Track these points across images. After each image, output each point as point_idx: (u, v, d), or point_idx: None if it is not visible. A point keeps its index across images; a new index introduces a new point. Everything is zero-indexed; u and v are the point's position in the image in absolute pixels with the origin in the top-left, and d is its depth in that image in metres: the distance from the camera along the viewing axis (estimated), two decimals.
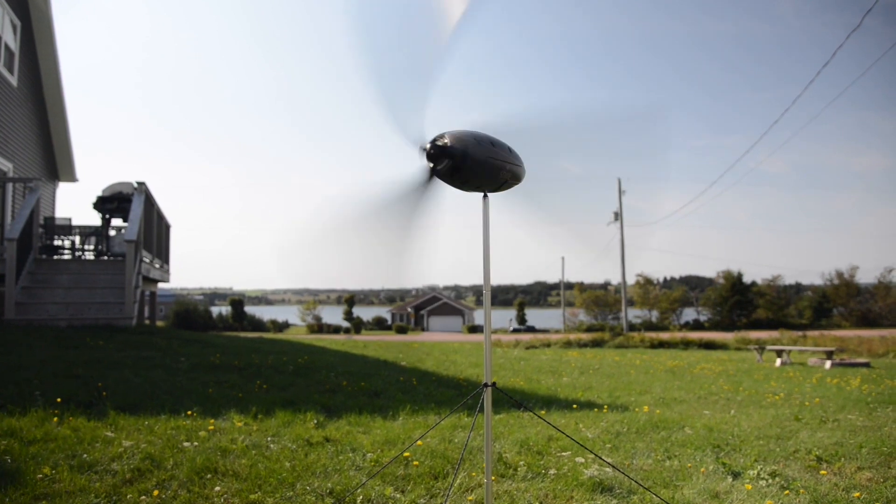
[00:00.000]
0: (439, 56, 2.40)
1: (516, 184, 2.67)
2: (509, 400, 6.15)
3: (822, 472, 3.70)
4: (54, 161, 16.03)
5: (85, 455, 3.47)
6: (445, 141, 2.35)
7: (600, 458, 3.81)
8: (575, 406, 6.43)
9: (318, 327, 56.11)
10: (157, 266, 13.95)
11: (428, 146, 2.39)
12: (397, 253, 2.63)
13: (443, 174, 2.40)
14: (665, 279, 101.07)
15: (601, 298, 63.93)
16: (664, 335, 26.57)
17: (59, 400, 4.77)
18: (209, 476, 3.28)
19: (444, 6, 2.35)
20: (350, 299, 67.36)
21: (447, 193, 2.56)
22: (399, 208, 2.55)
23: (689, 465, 3.84)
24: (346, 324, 60.57)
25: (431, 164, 2.40)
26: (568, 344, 23.18)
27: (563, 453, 4.05)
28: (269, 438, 4.16)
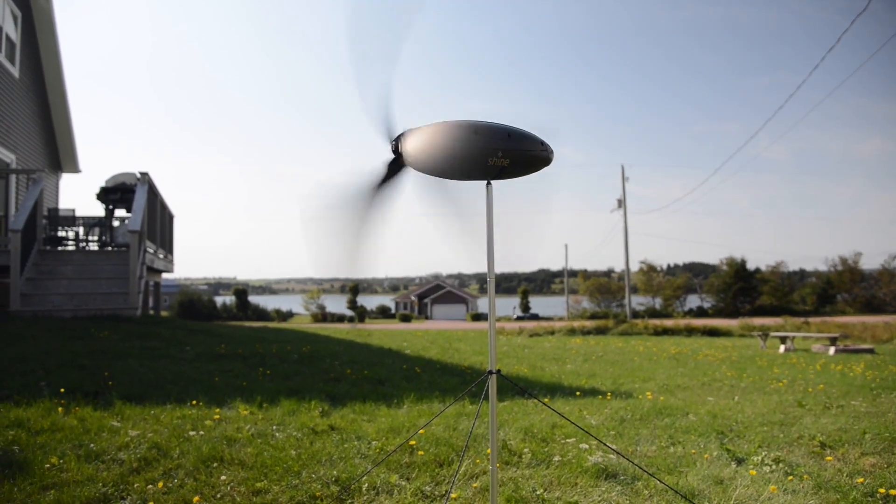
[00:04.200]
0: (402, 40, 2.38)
1: (538, 167, 2.63)
2: (513, 387, 6.17)
3: (826, 457, 3.70)
4: (57, 152, 16.03)
5: (92, 445, 3.49)
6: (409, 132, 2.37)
7: (605, 444, 3.82)
8: (579, 393, 6.44)
9: (322, 316, 56.28)
10: (161, 256, 13.98)
11: (394, 140, 2.41)
12: (359, 243, 2.60)
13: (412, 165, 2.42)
14: (668, 266, 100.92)
15: (605, 286, 63.84)
16: (668, 322, 26.57)
17: (64, 390, 4.80)
18: (215, 465, 3.30)
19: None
20: (354, 288, 67.46)
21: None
22: (368, 199, 2.54)
23: (693, 451, 3.85)
24: (349, 312, 60.73)
25: (395, 156, 2.42)
26: (572, 331, 23.20)
27: (568, 440, 4.06)
28: (274, 427, 4.18)
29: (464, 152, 2.39)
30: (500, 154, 2.46)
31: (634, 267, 58.94)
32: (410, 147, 2.42)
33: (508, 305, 71.04)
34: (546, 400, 5.89)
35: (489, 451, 2.93)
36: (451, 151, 2.37)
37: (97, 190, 13.13)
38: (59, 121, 15.70)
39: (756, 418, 4.97)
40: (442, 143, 2.37)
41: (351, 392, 5.80)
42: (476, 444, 3.87)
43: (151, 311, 14.29)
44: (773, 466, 3.48)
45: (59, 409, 4.25)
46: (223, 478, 3.11)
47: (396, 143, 2.46)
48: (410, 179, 2.56)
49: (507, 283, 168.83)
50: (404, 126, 2.51)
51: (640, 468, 3.38)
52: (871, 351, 13.44)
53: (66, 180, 16.92)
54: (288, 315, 58.42)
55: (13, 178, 12.38)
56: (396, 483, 3.13)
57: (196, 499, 2.82)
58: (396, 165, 2.52)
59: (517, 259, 2.74)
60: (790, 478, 3.28)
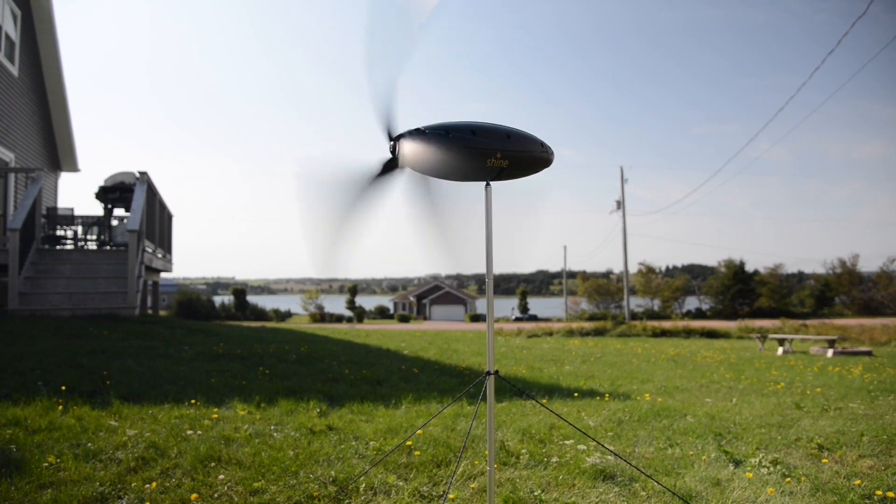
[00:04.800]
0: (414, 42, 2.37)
1: (538, 168, 2.65)
2: (511, 388, 6.17)
3: (824, 460, 3.71)
4: (56, 151, 16.01)
5: (89, 444, 3.49)
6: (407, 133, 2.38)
7: (602, 445, 3.82)
8: (577, 394, 6.44)
9: (321, 316, 56.22)
10: (160, 256, 13.97)
11: (392, 141, 2.42)
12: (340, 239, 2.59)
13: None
14: (667, 268, 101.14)
15: (603, 287, 63.85)
16: (666, 324, 26.57)
17: (63, 389, 4.80)
18: (213, 464, 3.30)
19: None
20: (352, 289, 67.48)
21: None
22: (356, 194, 2.54)
23: (691, 452, 3.85)
24: (348, 313, 60.73)
25: (392, 155, 2.43)
26: (570, 332, 23.21)
27: (566, 441, 4.06)
28: (272, 427, 4.17)
29: (462, 154, 2.39)
30: (498, 155, 2.46)
31: (633, 268, 59.07)
32: (408, 148, 2.41)
33: (507, 306, 71.02)
34: (544, 401, 5.89)
35: (487, 451, 2.93)
36: (450, 152, 2.37)
37: (96, 189, 13.13)
38: (59, 120, 15.69)
39: (754, 420, 4.98)
40: (440, 144, 2.37)
41: (349, 392, 5.80)
42: (474, 444, 3.87)
43: (150, 311, 14.28)
44: (771, 468, 3.48)
45: (57, 408, 4.24)
46: (221, 477, 3.11)
47: (394, 145, 2.46)
48: (406, 180, 2.56)
49: (506, 284, 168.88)
50: (404, 127, 2.51)
51: (638, 469, 3.38)
52: (869, 353, 13.46)
53: (65, 179, 16.94)
54: (286, 315, 58.33)
55: (12, 176, 12.36)
56: (394, 483, 3.13)
57: (194, 497, 2.81)
58: (392, 166, 2.52)
59: (510, 260, 2.72)
60: (788, 480, 3.28)
